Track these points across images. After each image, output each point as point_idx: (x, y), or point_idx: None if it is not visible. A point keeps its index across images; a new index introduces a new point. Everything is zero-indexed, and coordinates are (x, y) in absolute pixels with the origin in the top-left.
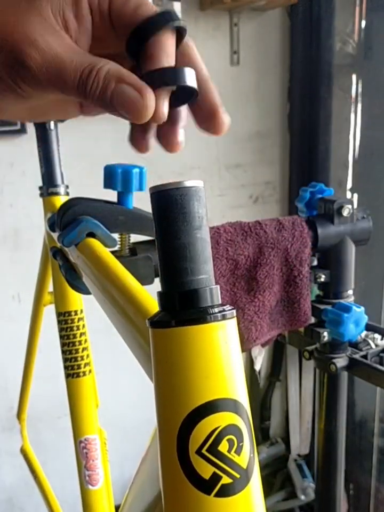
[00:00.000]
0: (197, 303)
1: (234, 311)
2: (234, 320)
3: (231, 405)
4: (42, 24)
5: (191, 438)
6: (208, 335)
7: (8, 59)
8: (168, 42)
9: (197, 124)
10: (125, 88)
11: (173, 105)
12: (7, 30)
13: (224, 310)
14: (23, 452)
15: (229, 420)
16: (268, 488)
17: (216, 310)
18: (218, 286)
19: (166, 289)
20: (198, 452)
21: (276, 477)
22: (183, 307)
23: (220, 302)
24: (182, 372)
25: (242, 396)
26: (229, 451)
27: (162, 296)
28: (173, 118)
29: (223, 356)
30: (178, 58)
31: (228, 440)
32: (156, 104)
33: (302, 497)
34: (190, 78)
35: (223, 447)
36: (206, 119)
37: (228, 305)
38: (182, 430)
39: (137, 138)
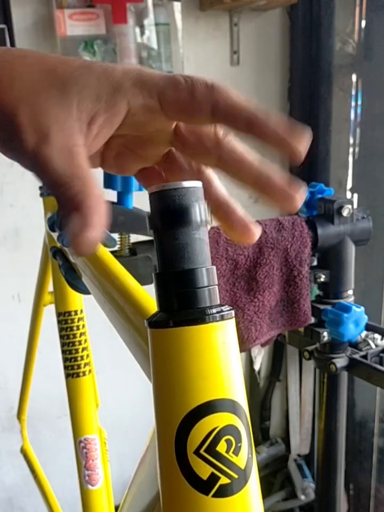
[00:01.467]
0: (195, 303)
1: (232, 311)
2: (233, 321)
3: (229, 406)
4: (59, 121)
5: (189, 438)
6: (207, 336)
7: (6, 134)
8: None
9: (228, 235)
10: (74, 220)
11: None
12: (23, 107)
13: (222, 311)
14: (23, 452)
15: (227, 421)
16: (268, 488)
17: (214, 310)
18: (216, 286)
19: None
20: (196, 452)
21: (276, 477)
22: (181, 307)
23: (219, 302)
24: (180, 372)
25: (240, 397)
26: (227, 451)
27: (160, 296)
28: None
29: (221, 357)
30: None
31: (226, 440)
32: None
33: (302, 497)
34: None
35: (221, 447)
36: (239, 233)
37: (226, 306)
38: (180, 430)
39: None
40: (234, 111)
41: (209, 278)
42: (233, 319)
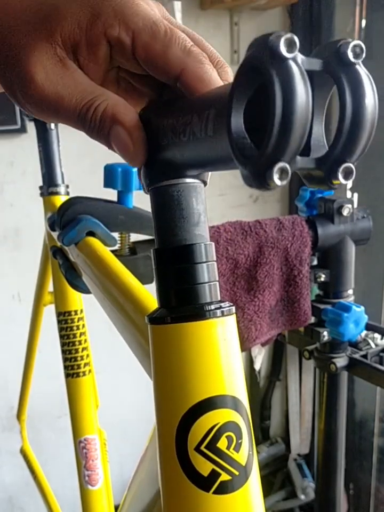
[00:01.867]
0: (195, 299)
1: (233, 307)
2: (233, 317)
3: (230, 402)
4: (48, 52)
5: (190, 435)
6: (207, 332)
7: (17, 84)
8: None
9: None
10: (119, 131)
11: None
12: (17, 53)
13: (222, 307)
14: (23, 453)
15: (228, 417)
16: (268, 488)
17: (214, 306)
18: (217, 282)
19: None
20: (197, 449)
21: (276, 477)
22: (181, 303)
23: (219, 298)
24: (180, 368)
25: (241, 393)
26: (228, 448)
27: (161, 292)
28: None
29: (221, 353)
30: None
31: (226, 437)
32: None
33: (302, 496)
34: None
35: (222, 444)
36: None
37: (226, 302)
38: (181, 426)
39: None
40: (196, 86)
41: (209, 274)
42: (234, 315)
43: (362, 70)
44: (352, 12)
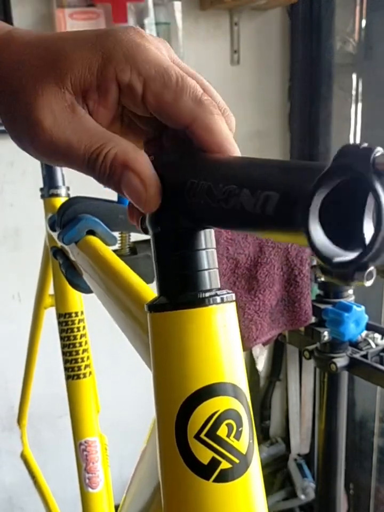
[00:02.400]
0: (195, 286)
1: (233, 295)
2: (233, 304)
3: (230, 389)
4: (57, 97)
5: (189, 423)
6: (206, 318)
7: (22, 129)
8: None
9: None
10: (130, 178)
11: None
12: (22, 97)
13: (222, 294)
14: (23, 457)
15: (228, 405)
16: (268, 488)
17: (214, 293)
18: (217, 270)
19: None
20: (197, 437)
21: (276, 477)
22: (181, 290)
23: (219, 285)
24: (180, 355)
25: (241, 381)
26: (228, 436)
27: (161, 279)
28: None
29: (221, 340)
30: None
31: (226, 424)
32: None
33: (302, 496)
34: None
35: (222, 431)
36: None
37: (226, 290)
38: (181, 414)
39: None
40: (206, 137)
41: (209, 261)
42: (234, 302)
43: None
44: (352, 12)
